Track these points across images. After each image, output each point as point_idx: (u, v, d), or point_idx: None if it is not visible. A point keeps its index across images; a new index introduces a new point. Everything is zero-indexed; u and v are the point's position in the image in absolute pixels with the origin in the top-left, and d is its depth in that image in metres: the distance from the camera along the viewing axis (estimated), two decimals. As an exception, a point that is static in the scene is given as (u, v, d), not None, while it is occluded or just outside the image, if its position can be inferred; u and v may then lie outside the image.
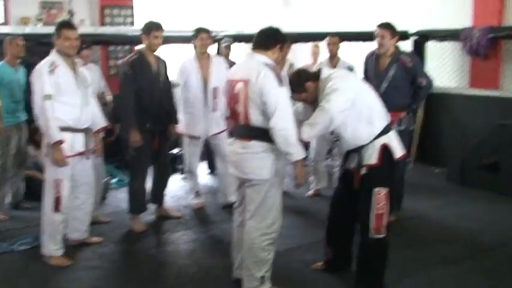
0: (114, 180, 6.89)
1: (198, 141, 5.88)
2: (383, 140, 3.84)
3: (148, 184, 5.55)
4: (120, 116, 5.32)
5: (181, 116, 5.63)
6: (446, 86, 7.90)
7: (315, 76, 3.93)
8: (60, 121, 4.33)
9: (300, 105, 4.35)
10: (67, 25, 4.56)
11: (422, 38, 7.99)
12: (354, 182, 3.91)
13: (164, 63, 5.40)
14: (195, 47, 5.80)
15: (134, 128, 5.10)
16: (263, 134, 3.60)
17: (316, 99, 3.88)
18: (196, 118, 5.74)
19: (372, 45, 5.65)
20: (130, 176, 5.41)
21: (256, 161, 3.65)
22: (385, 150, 3.83)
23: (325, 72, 3.95)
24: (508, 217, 5.63)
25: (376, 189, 3.78)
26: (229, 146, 3.86)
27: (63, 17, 8.05)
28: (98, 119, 4.73)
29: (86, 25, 8.15)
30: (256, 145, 3.64)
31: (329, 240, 4.27)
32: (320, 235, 5.08)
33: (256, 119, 3.61)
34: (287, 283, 4.05)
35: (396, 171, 4.14)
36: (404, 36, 7.73)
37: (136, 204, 5.37)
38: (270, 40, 3.74)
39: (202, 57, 5.78)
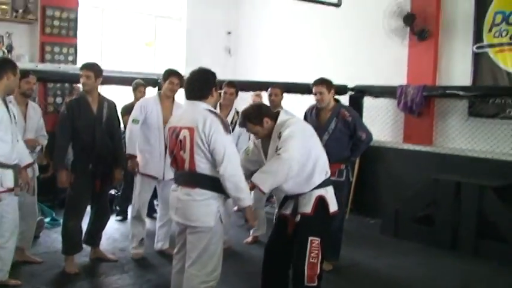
0: (47, 220, 6.64)
1: (153, 182, 5.71)
2: (320, 191, 3.93)
3: (84, 224, 5.39)
4: (54, 153, 5.17)
5: (139, 153, 5.54)
6: (381, 140, 8.16)
7: (274, 115, 4.00)
8: None
9: (251, 143, 4.34)
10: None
11: (359, 93, 8.26)
12: (288, 227, 3.96)
13: (111, 104, 5.33)
14: (161, 89, 5.71)
15: (61, 169, 5.03)
16: (208, 182, 3.61)
17: (266, 137, 3.97)
18: (153, 158, 5.60)
19: (311, 98, 5.77)
20: (65, 215, 5.24)
21: (201, 208, 3.63)
22: (321, 201, 3.91)
23: (283, 116, 4.02)
24: (441, 269, 5.78)
25: (310, 238, 3.83)
26: (172, 192, 3.82)
27: (1, 51, 7.88)
28: (24, 155, 4.63)
29: (25, 61, 7.97)
30: (201, 192, 3.63)
31: (264, 286, 4.23)
32: (258, 282, 5.09)
33: (201, 167, 3.61)
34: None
35: (331, 223, 4.18)
36: (342, 91, 8.00)
37: (70, 244, 5.19)
38: (204, 88, 3.74)
39: (167, 99, 5.64)
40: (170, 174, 5.57)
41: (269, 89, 6.34)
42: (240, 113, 4.23)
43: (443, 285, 5.29)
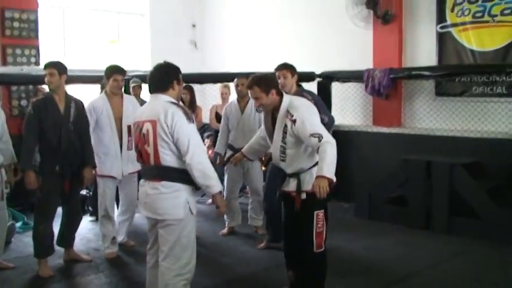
0: (18, 224, 6.53)
1: (113, 182, 5.68)
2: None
3: (56, 227, 5.31)
4: (21, 154, 5.06)
5: (95, 157, 5.44)
6: (351, 124, 8.21)
7: (281, 92, 4.18)
8: None
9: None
10: None
11: (327, 79, 8.28)
12: (296, 204, 4.11)
13: (78, 103, 5.24)
14: (103, 86, 5.67)
15: (28, 170, 4.95)
16: (174, 174, 3.59)
17: (266, 109, 4.18)
18: (110, 158, 5.56)
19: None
20: (36, 218, 5.15)
21: (168, 201, 3.61)
22: None
23: (288, 96, 4.20)
24: (415, 249, 5.84)
25: (316, 212, 4.08)
26: (141, 187, 3.80)
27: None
28: None
29: (-14, 64, 7.82)
30: (168, 185, 3.61)
31: (288, 264, 4.45)
32: (237, 272, 5.10)
33: (166, 159, 3.58)
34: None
35: (330, 194, 4.20)
36: (309, 77, 8.02)
37: (42, 247, 5.11)
38: (164, 81, 3.72)
39: (114, 96, 5.62)
40: (129, 168, 5.57)
41: (235, 80, 6.37)
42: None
43: (418, 263, 5.34)
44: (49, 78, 5.03)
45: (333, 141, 3.93)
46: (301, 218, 4.15)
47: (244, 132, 6.05)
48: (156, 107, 3.62)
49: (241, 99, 6.31)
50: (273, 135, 4.22)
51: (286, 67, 5.42)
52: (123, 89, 5.79)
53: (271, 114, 4.26)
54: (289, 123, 4.02)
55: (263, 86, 4.09)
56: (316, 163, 4.00)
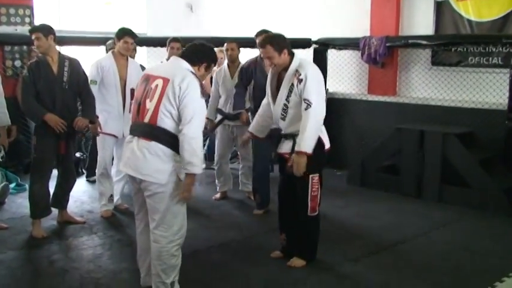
0: (12, 185, 6.54)
1: (113, 140, 5.70)
2: None
3: (52, 188, 5.33)
4: (27, 114, 5.17)
5: (98, 114, 5.47)
6: (346, 92, 8.20)
7: (292, 53, 4.21)
8: None
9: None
10: None
11: (323, 46, 8.22)
12: (287, 165, 4.17)
13: (73, 61, 5.20)
14: (114, 47, 5.66)
15: (45, 115, 4.92)
16: (166, 138, 3.51)
17: (278, 69, 4.20)
18: (112, 117, 5.60)
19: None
20: (31, 179, 5.17)
21: (154, 163, 3.50)
22: (317, 140, 4.13)
23: (298, 57, 4.24)
24: (406, 216, 5.91)
25: (311, 176, 4.18)
26: (127, 144, 3.68)
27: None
28: None
29: (-21, 24, 7.73)
30: (157, 147, 3.50)
31: (282, 228, 4.55)
32: (229, 236, 5.16)
33: (163, 120, 3.49)
34: (195, 285, 4.04)
35: (326, 159, 4.43)
36: (305, 44, 7.97)
37: (38, 208, 5.14)
38: (196, 56, 3.67)
39: (121, 58, 5.65)
40: (127, 131, 5.57)
41: (225, 44, 6.38)
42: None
43: (409, 231, 5.40)
44: (37, 43, 5.03)
45: (320, 114, 4.06)
46: (296, 180, 4.19)
47: (233, 96, 6.06)
48: (174, 68, 3.58)
49: (232, 64, 6.33)
50: (277, 95, 4.24)
51: (262, 34, 5.47)
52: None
53: (278, 75, 4.29)
54: (295, 82, 4.09)
55: (276, 45, 4.11)
56: None
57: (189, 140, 3.44)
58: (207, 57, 3.72)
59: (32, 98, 4.94)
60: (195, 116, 3.46)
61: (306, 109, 4.04)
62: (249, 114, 5.92)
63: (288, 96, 4.15)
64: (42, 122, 4.96)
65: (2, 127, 5.21)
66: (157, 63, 3.88)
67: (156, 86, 3.52)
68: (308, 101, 4.04)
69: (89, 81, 5.42)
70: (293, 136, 4.18)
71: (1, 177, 5.48)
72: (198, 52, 3.70)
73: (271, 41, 4.14)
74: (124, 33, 5.58)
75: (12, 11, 8.07)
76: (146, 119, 3.53)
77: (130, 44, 5.60)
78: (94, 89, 5.45)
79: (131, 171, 3.60)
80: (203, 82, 3.88)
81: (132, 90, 5.39)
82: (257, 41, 5.44)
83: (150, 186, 3.54)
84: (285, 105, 4.17)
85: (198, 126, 3.50)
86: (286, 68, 4.19)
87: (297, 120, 4.14)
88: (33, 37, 5.03)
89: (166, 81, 3.49)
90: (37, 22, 7.91)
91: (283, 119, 4.21)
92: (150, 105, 3.52)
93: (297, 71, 4.12)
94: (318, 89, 4.14)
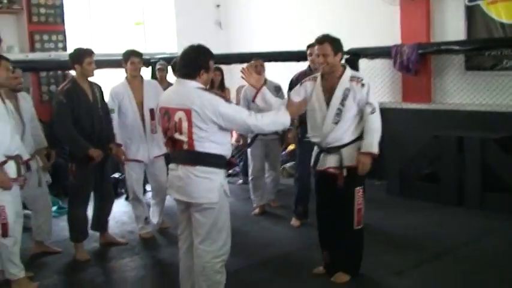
0: (54, 208, 6.60)
1: (140, 165, 5.74)
2: (359, 144, 4.19)
3: (90, 210, 5.39)
4: (69, 144, 5.13)
5: (121, 141, 5.51)
6: (381, 101, 8.12)
7: (347, 61, 4.29)
8: None
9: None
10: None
11: (355, 56, 8.17)
12: (338, 181, 4.17)
13: (99, 88, 5.30)
14: (125, 71, 5.70)
15: (88, 149, 4.97)
16: (208, 159, 3.55)
17: (327, 69, 4.20)
18: (136, 142, 5.62)
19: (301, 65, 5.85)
20: (70, 204, 5.25)
21: (203, 184, 3.56)
22: None
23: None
24: (449, 225, 5.81)
25: (357, 189, 4.21)
26: (171, 171, 3.73)
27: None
28: (21, 151, 4.58)
29: (15, 52, 7.89)
30: (202, 169, 3.55)
31: (324, 245, 4.51)
32: (269, 253, 5.13)
33: (201, 146, 3.53)
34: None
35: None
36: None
37: (78, 232, 5.21)
38: (190, 69, 3.61)
39: (134, 80, 5.66)
40: (154, 152, 5.62)
41: (252, 61, 6.34)
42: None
43: (452, 241, 5.30)
44: (92, 67, 5.12)
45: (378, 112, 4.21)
46: (342, 195, 4.20)
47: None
48: (185, 94, 3.55)
49: None
50: (325, 101, 4.23)
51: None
52: (151, 74, 5.80)
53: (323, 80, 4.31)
54: (355, 86, 4.14)
55: (334, 44, 4.18)
56: (357, 139, 4.16)
57: (263, 128, 3.70)
58: (200, 62, 3.62)
59: (71, 126, 4.96)
60: (237, 113, 3.57)
61: (372, 113, 4.16)
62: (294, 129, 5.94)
63: (343, 99, 4.16)
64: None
65: (40, 150, 5.30)
66: (166, 92, 3.85)
67: (180, 119, 3.53)
68: (373, 105, 4.16)
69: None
70: (338, 149, 4.18)
71: (50, 203, 5.49)
72: (190, 64, 3.62)
73: (330, 40, 4.19)
74: (129, 54, 5.63)
75: (45, 37, 8.26)
76: (184, 147, 3.58)
77: (137, 64, 5.62)
78: (113, 117, 5.48)
79: (184, 197, 3.64)
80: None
81: (152, 111, 5.48)
82: (308, 51, 5.69)
83: (201, 204, 3.60)
84: (338, 109, 4.16)
85: (250, 119, 3.60)
86: (333, 73, 4.21)
87: (347, 126, 4.17)
88: (88, 61, 5.07)
89: (188, 112, 3.49)
90: (70, 47, 8.06)
91: (336, 123, 4.18)
92: (182, 137, 3.55)
93: (354, 76, 4.20)
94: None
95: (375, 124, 4.19)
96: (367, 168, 4.15)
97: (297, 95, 4.32)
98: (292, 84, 5.81)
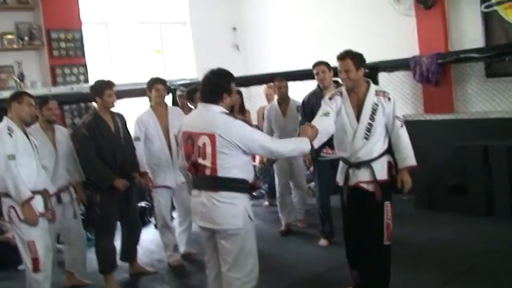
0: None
1: (168, 192, 5.77)
2: (388, 157, 4.23)
3: (119, 241, 5.42)
4: (94, 176, 5.18)
5: (148, 169, 5.57)
6: (403, 114, 8.04)
7: (366, 76, 4.32)
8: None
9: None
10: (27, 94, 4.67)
11: (373, 70, 8.13)
12: (376, 195, 4.14)
13: (121, 117, 5.37)
14: (150, 99, 5.77)
15: (115, 177, 5.05)
16: (231, 184, 3.55)
17: (350, 85, 4.19)
18: (162, 168, 5.67)
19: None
20: (97, 236, 5.29)
21: (227, 210, 3.55)
22: (390, 167, 4.21)
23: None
24: (480, 236, 5.70)
25: (386, 203, 4.17)
26: (194, 198, 3.72)
27: (13, 81, 7.94)
28: (47, 185, 4.68)
29: (38, 87, 8.03)
30: (225, 195, 3.55)
31: (352, 264, 4.47)
32: (298, 274, 5.09)
33: (225, 171, 3.53)
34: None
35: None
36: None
37: (107, 263, 5.23)
38: (214, 94, 3.63)
39: (159, 107, 5.74)
40: (181, 177, 5.62)
41: (275, 82, 6.47)
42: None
43: (485, 252, 5.21)
44: (113, 99, 5.22)
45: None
46: (372, 209, 4.17)
47: (287, 132, 6.09)
48: (210, 119, 3.57)
49: (282, 101, 6.41)
50: (355, 116, 4.21)
51: (323, 63, 5.71)
52: (171, 100, 5.85)
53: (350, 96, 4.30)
54: (383, 100, 4.17)
55: (356, 60, 4.16)
56: (384, 152, 4.18)
57: (283, 155, 3.82)
58: (222, 87, 3.65)
59: (96, 158, 5.04)
60: (260, 139, 3.61)
61: (401, 126, 4.22)
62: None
63: (373, 114, 4.15)
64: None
65: (78, 183, 5.39)
66: (189, 116, 3.88)
67: (204, 144, 3.53)
68: (400, 119, 4.23)
69: (134, 138, 5.51)
70: (369, 163, 4.16)
71: (84, 235, 5.53)
72: (213, 89, 3.65)
73: (352, 55, 4.18)
74: (153, 82, 5.72)
75: (67, 70, 8.38)
76: (207, 173, 3.57)
77: (161, 91, 5.71)
78: (139, 145, 5.54)
79: (208, 224, 3.64)
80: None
81: (176, 137, 5.48)
82: (315, 71, 5.69)
83: (226, 230, 3.59)
84: (369, 124, 4.15)
85: (273, 146, 3.64)
86: (355, 88, 4.21)
87: (375, 144, 4.16)
88: (109, 93, 5.16)
89: (212, 137, 3.50)
90: (92, 78, 8.17)
91: (367, 137, 4.16)
92: (206, 162, 3.55)
93: (379, 91, 4.23)
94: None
95: (406, 137, 4.23)
96: (410, 184, 4.20)
97: (329, 107, 4.25)
98: (304, 106, 5.86)
